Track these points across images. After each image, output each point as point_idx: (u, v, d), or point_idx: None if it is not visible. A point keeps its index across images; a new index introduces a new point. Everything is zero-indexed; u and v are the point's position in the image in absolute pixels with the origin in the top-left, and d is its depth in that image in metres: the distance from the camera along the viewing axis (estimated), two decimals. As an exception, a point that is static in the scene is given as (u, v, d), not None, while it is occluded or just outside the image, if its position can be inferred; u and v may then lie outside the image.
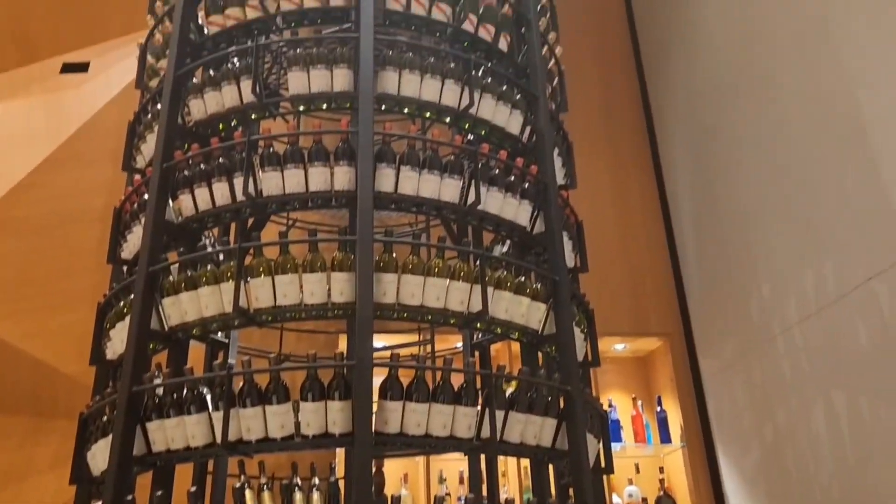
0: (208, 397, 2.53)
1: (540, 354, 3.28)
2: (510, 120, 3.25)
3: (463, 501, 4.93)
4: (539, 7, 3.80)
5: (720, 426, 5.26)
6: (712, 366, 5.38)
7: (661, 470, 5.45)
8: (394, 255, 2.72)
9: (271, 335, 4.28)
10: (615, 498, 5.23)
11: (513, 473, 5.16)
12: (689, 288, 5.74)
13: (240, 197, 2.79)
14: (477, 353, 3.81)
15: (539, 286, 2.99)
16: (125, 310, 2.85)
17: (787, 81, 4.45)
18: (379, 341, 4.99)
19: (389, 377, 2.53)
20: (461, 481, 5.00)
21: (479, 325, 2.83)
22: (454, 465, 5.08)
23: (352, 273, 2.61)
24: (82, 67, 5.66)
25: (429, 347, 4.29)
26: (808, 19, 4.23)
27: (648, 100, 6.52)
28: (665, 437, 5.46)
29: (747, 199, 4.91)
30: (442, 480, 5.08)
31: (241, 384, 2.49)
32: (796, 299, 4.31)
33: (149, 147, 3.21)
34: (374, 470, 4.73)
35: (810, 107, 4.23)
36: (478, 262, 2.79)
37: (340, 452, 4.45)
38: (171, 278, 2.78)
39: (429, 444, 2.54)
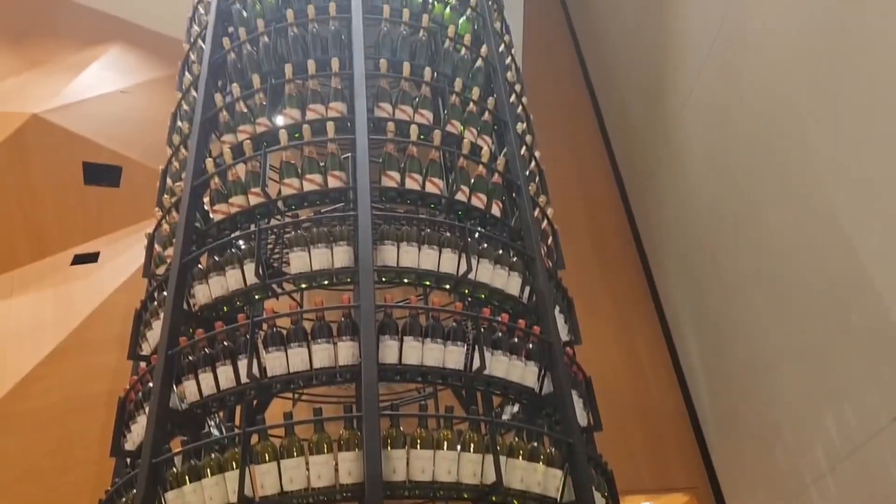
0: None
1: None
2: (509, 282, 3.30)
3: None
4: (528, 172, 3.98)
5: (763, 588, 4.86)
6: (746, 520, 5.07)
7: None
8: (401, 427, 2.66)
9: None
10: None
11: None
12: (709, 437, 5.55)
13: (244, 379, 2.77)
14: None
15: (553, 450, 2.90)
16: (125, 505, 2.74)
17: (779, 222, 4.51)
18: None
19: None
20: None
21: (494, 498, 2.71)
22: None
23: (359, 452, 2.54)
24: (92, 258, 5.84)
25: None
26: (791, 154, 4.34)
27: (642, 245, 6.65)
28: None
29: (753, 339, 4.86)
30: None
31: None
32: (823, 445, 4.14)
33: (154, 334, 3.24)
34: None
35: (804, 245, 4.28)
36: (488, 431, 2.72)
37: None
38: (174, 469, 2.69)
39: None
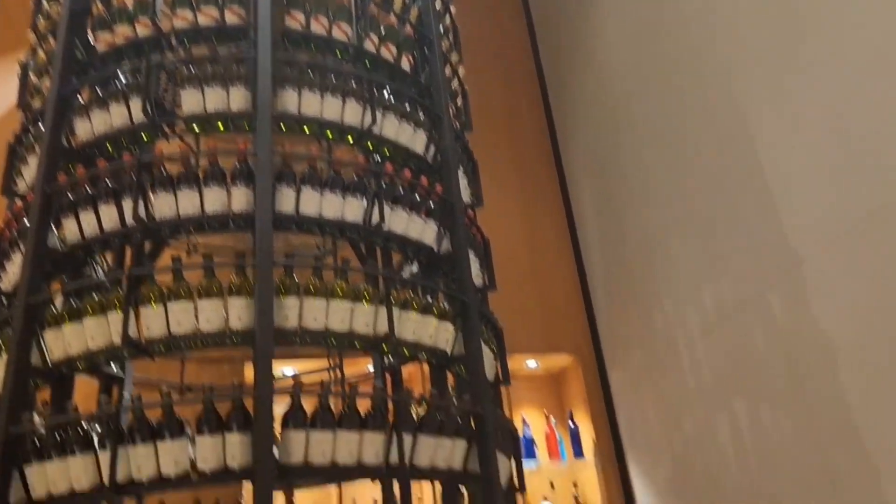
0: (95, 436, 2.36)
1: (450, 376, 3.25)
2: (414, 139, 3.23)
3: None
4: (441, 28, 3.82)
5: (631, 439, 5.36)
6: (621, 379, 5.50)
7: (576, 485, 5.50)
8: (295, 278, 2.63)
9: (171, 365, 4.07)
10: (531, 516, 5.23)
11: (428, 498, 5.07)
12: (597, 304, 5.87)
13: (129, 221, 2.64)
14: (388, 377, 3.75)
15: (447, 306, 2.97)
16: (2, 346, 2.63)
17: (688, 111, 4.62)
18: (287, 367, 4.85)
19: (292, 405, 2.43)
20: (376, 509, 4.88)
21: (385, 347, 2.77)
22: (368, 491, 4.96)
23: (250, 298, 2.50)
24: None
25: (339, 374, 4.18)
26: (704, 49, 4.42)
27: (553, 122, 6.68)
28: (578, 452, 5.52)
29: (649, 218, 5.07)
30: (356, 510, 4.95)
31: (130, 421, 2.34)
32: (698, 314, 4.46)
33: (31, 170, 3.00)
34: (283, 502, 4.57)
35: (705, 126, 4.41)
36: (383, 284, 2.74)
37: (248, 486, 4.26)
38: (53, 310, 2.59)
39: (335, 474, 2.45)
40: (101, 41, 3.13)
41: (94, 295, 2.57)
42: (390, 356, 3.68)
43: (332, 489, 5.10)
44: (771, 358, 3.79)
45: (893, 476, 3.05)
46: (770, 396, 3.81)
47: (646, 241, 5.10)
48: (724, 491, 4.19)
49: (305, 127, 2.96)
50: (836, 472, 3.36)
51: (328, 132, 3.03)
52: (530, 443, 5.43)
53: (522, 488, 3.14)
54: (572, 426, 5.61)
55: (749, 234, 3.97)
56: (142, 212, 2.62)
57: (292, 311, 2.55)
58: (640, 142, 5.20)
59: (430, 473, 2.67)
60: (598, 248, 5.86)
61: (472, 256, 3.25)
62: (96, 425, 2.42)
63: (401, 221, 2.96)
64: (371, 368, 4.03)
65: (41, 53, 3.40)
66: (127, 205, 2.65)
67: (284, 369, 4.86)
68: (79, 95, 3.02)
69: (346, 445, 2.43)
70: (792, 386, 3.65)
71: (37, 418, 2.41)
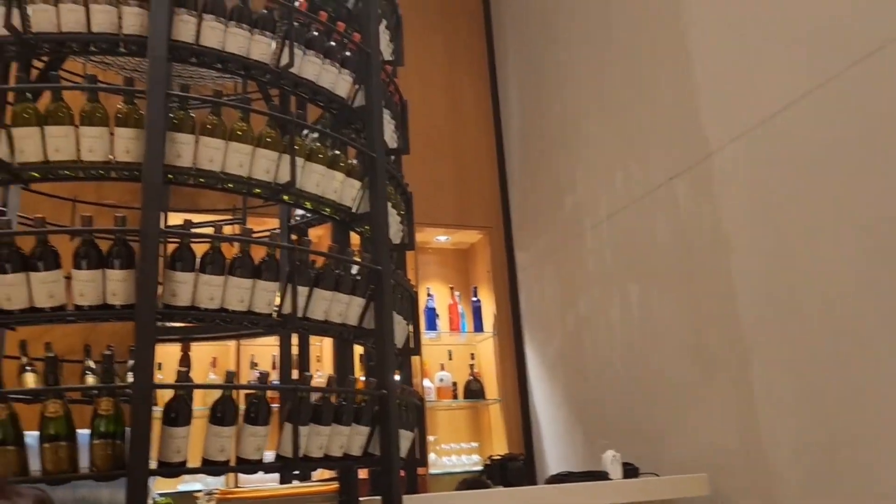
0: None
1: (357, 239, 3.19)
2: (333, -20, 2.99)
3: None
4: None
5: (529, 316, 5.55)
6: (526, 259, 5.61)
7: (473, 356, 5.71)
8: (192, 115, 2.44)
9: (64, 209, 3.82)
10: (427, 382, 5.41)
11: (328, 359, 5.16)
12: (511, 184, 5.88)
13: (2, 31, 2.35)
14: (294, 237, 3.65)
15: (355, 163, 2.86)
16: None
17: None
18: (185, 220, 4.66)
19: (180, 247, 2.31)
20: (273, 366, 4.91)
21: (286, 197, 2.66)
22: (267, 350, 4.98)
23: (140, 130, 2.31)
24: None
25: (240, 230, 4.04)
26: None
27: (486, -10, 6.41)
28: (478, 326, 5.69)
29: (570, 98, 5.01)
30: (254, 365, 4.97)
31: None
32: (607, 197, 4.53)
33: None
34: (181, 354, 4.52)
35: (635, 7, 4.31)
36: (289, 131, 2.59)
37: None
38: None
39: (224, 319, 2.38)
40: None
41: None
42: (299, 214, 3.59)
43: (231, 346, 5.09)
44: (669, 245, 3.91)
45: (762, 355, 3.28)
46: (662, 282, 3.97)
47: (564, 120, 5.07)
48: (609, 365, 4.43)
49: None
50: (712, 352, 3.58)
51: (237, -43, 2.74)
52: (433, 313, 5.54)
53: (417, 351, 3.19)
54: (475, 300, 5.74)
55: (665, 119, 3.98)
56: (16, 22, 2.32)
57: (186, 149, 2.37)
58: (567, 19, 5.05)
59: (324, 327, 2.64)
60: (518, 126, 5.80)
61: (386, 116, 3.12)
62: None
63: (313, 67, 2.77)
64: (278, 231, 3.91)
65: None
66: (-1, 12, 2.35)
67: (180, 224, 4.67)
68: None
69: (236, 292, 2.35)
70: (684, 273, 3.80)
71: None
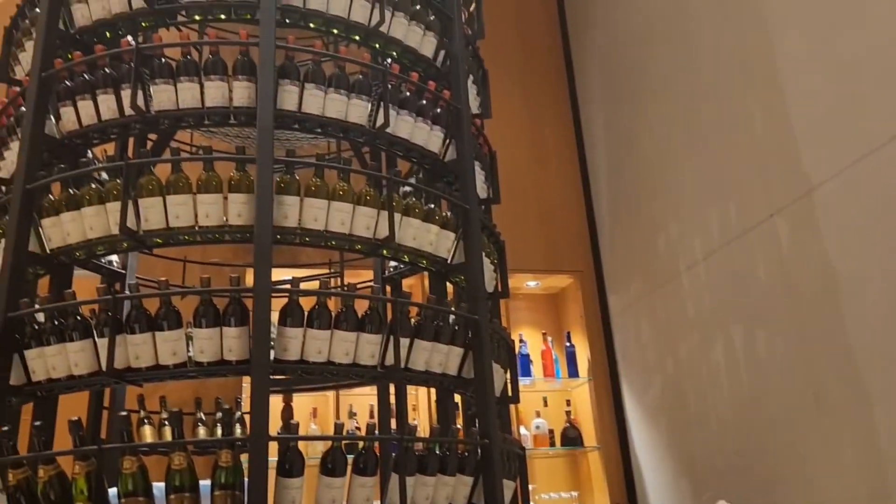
0: (94, 325, 2.37)
1: (451, 288, 3.25)
2: (423, 42, 3.12)
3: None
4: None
5: (625, 360, 5.43)
6: (620, 302, 5.52)
7: (568, 403, 5.61)
8: (297, 177, 2.59)
9: (174, 269, 4.07)
10: (523, 430, 5.35)
11: (423, 408, 5.19)
12: (600, 226, 5.84)
13: (128, 111, 2.58)
14: (388, 287, 3.75)
15: (449, 215, 2.93)
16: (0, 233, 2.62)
17: (705, 23, 4.46)
18: (287, 275, 4.85)
19: (289, 303, 2.42)
20: (371, 415, 4.98)
21: (385, 251, 2.75)
22: (364, 399, 5.06)
23: (251, 195, 2.47)
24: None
25: (339, 282, 4.18)
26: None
27: (567, 34, 6.47)
28: (573, 372, 5.61)
29: (660, 138, 4.97)
30: (352, 415, 5.06)
31: (129, 311, 2.34)
32: (701, 237, 4.43)
33: (27, 56, 2.91)
34: (282, 405, 4.67)
35: (725, 47, 4.27)
36: (386, 188, 2.70)
37: (247, 388, 4.34)
38: (51, 198, 2.56)
39: (331, 371, 2.47)
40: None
41: (94, 185, 2.53)
42: (392, 265, 3.68)
43: (330, 395, 5.21)
44: (773, 285, 3.78)
45: (883, 400, 3.09)
46: (768, 324, 3.82)
47: (654, 159, 5.02)
48: (713, 412, 4.27)
49: (311, 21, 2.85)
50: (825, 394, 3.40)
51: (334, 29, 2.92)
52: (526, 360, 5.50)
53: (516, 399, 3.18)
54: (569, 346, 5.68)
55: (761, 156, 3.89)
56: (140, 102, 2.55)
57: (292, 210, 2.51)
58: (655, 59, 5.04)
59: (425, 378, 2.69)
60: (606, 169, 5.77)
61: (477, 168, 3.19)
62: (95, 315, 2.43)
63: (406, 126, 2.89)
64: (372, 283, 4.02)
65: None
66: (125, 94, 2.58)
67: (285, 277, 4.87)
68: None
69: (342, 345, 2.44)
70: (790, 312, 3.65)
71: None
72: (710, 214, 4.34)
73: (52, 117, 2.69)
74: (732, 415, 4.10)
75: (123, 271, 3.31)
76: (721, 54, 4.29)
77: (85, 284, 3.00)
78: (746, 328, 4.00)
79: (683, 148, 4.67)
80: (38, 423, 2.28)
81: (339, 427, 2.33)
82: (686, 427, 4.59)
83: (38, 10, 2.89)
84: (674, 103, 4.80)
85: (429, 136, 2.99)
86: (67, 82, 2.68)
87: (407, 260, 2.92)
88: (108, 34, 2.85)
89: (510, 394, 3.14)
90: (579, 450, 5.51)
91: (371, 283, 3.87)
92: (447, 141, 3.06)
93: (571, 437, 5.48)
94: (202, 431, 3.51)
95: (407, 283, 4.80)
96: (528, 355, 5.54)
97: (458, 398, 3.37)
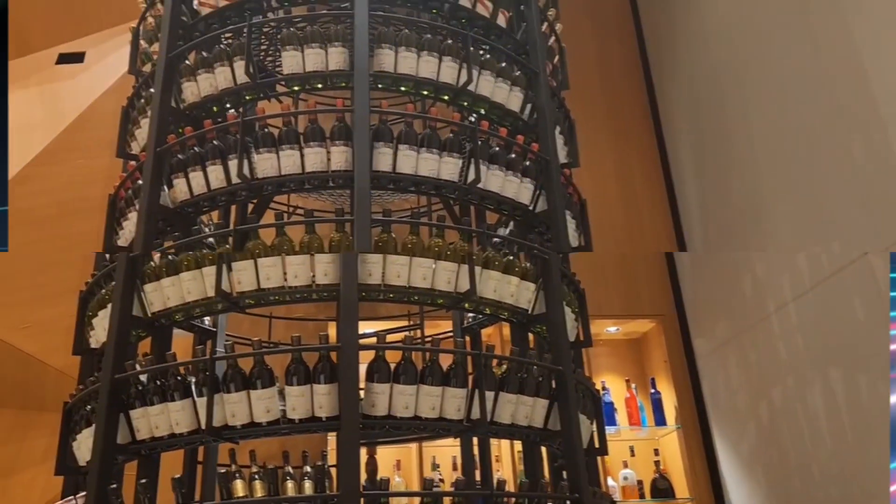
0: (193, 384, 2.50)
1: (531, 336, 3.25)
2: (510, 97, 3.21)
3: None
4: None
5: (715, 407, 5.24)
6: (706, 346, 5.36)
7: (657, 452, 5.43)
8: (393, 235, 2.68)
9: (260, 324, 4.23)
10: (610, 481, 5.21)
11: (507, 459, 5.14)
12: (681, 269, 5.72)
13: (234, 179, 2.75)
14: (468, 338, 3.77)
15: (528, 265, 2.96)
16: (107, 297, 2.81)
17: (795, 56, 4.36)
18: (368, 328, 4.96)
19: (376, 359, 2.49)
20: (454, 467, 4.97)
21: (466, 304, 2.79)
22: (447, 451, 5.06)
23: (335, 255, 2.57)
24: (78, 58, 5.60)
25: (419, 333, 4.24)
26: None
27: (651, 77, 6.45)
28: (660, 420, 5.44)
29: (752, 179, 4.84)
30: (435, 467, 5.06)
31: (225, 370, 2.46)
32: (790, 277, 4.28)
33: (143, 133, 3.16)
34: (366, 457, 4.72)
35: (818, 81, 4.14)
36: (468, 243, 2.75)
37: (333, 441, 4.42)
38: (153, 264, 2.74)
39: (417, 426, 2.51)
40: (205, 4, 3.24)
41: (189, 251, 2.69)
42: (471, 316, 3.71)
43: (413, 447, 5.23)
44: (872, 325, 3.60)
45: None
46: (869, 366, 3.62)
47: (744, 199, 4.90)
48: (815, 461, 4.05)
49: (402, 85, 2.98)
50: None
51: (424, 90, 3.04)
52: (610, 408, 5.39)
53: (604, 450, 3.12)
54: (654, 392, 5.52)
55: (863, 191, 3.73)
56: (246, 170, 2.71)
57: (376, 268, 2.60)
58: (746, 101, 4.93)
59: (511, 430, 2.69)
60: (697, 212, 5.66)
61: (567, 217, 3.20)
62: (192, 375, 2.55)
63: (496, 180, 2.97)
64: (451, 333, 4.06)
65: (150, 19, 3.55)
66: (232, 164, 2.76)
67: (366, 330, 4.97)
68: (186, 58, 3.13)
69: (428, 399, 2.47)
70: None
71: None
72: (797, 254, 4.20)
73: (165, 188, 2.89)
74: (837, 465, 3.88)
75: (214, 329, 3.45)
76: (811, 89, 4.17)
77: (178, 343, 3.16)
78: (847, 372, 3.81)
79: (774, 188, 4.53)
80: (143, 480, 2.40)
81: (428, 483, 2.35)
82: (786, 478, 4.37)
83: (152, 90, 3.13)
84: (764, 142, 4.69)
85: (519, 189, 3.05)
86: (179, 155, 2.88)
87: (488, 312, 2.94)
88: (214, 108, 3.07)
89: (597, 445, 3.09)
90: (671, 502, 5.30)
91: (451, 335, 3.91)
92: (537, 192, 3.11)
93: (662, 489, 5.29)
94: (290, 486, 3.58)
95: (485, 333, 4.83)
96: (611, 403, 5.42)
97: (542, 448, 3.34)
